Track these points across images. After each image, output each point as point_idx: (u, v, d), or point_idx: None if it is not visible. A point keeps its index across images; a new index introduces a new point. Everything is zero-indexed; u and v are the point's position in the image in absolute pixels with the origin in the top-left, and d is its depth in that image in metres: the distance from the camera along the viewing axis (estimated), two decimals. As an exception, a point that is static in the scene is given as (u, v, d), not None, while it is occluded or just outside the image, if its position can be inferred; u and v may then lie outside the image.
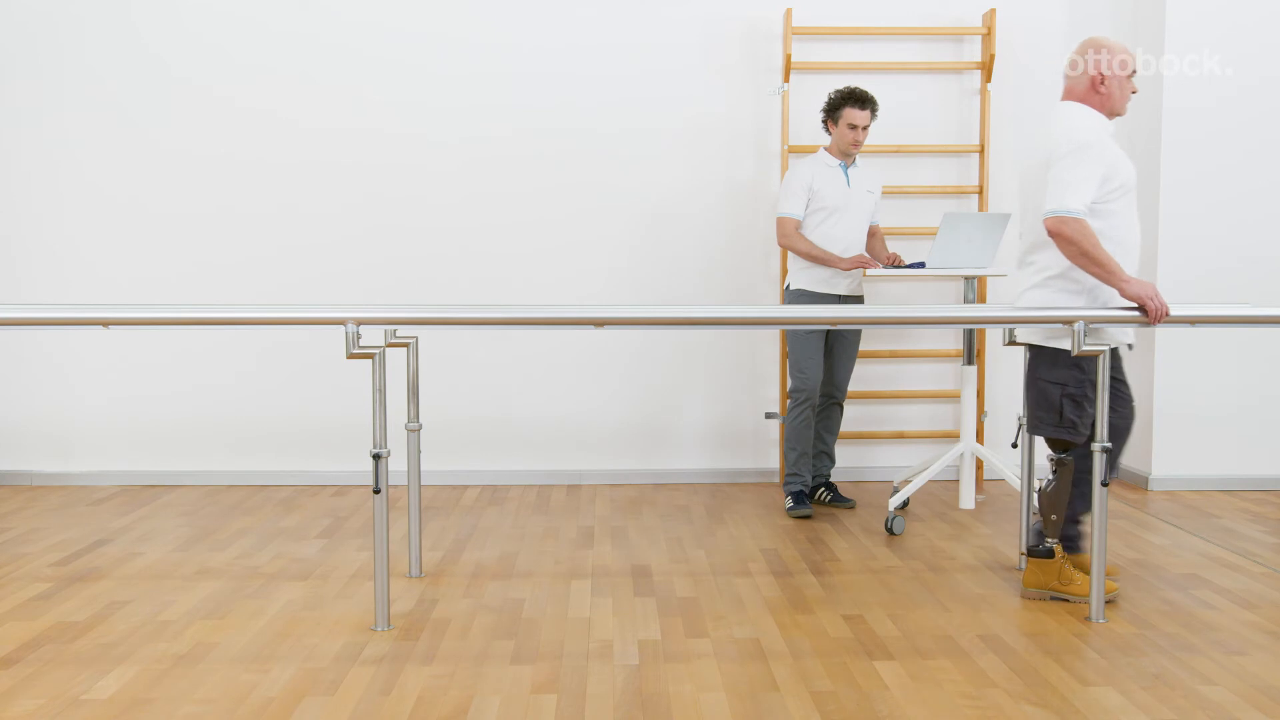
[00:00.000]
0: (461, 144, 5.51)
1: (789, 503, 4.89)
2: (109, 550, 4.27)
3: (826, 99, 4.85)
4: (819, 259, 4.75)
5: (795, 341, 4.86)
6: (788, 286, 4.94)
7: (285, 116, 5.47)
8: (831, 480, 5.08)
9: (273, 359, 5.54)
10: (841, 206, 4.80)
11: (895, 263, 4.79)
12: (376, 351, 3.27)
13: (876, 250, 4.97)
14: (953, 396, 5.59)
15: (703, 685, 2.88)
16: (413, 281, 5.48)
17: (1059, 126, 3.52)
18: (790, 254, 4.94)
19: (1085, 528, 3.66)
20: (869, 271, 4.69)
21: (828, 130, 4.87)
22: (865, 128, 4.77)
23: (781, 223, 4.83)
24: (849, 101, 4.75)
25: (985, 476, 5.59)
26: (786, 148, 5.43)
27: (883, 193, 5.13)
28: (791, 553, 4.22)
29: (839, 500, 4.99)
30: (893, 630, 3.30)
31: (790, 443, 4.91)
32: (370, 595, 3.59)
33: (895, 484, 5.07)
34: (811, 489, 5.03)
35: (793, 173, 4.88)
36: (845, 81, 5.03)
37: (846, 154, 4.83)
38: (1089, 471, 3.49)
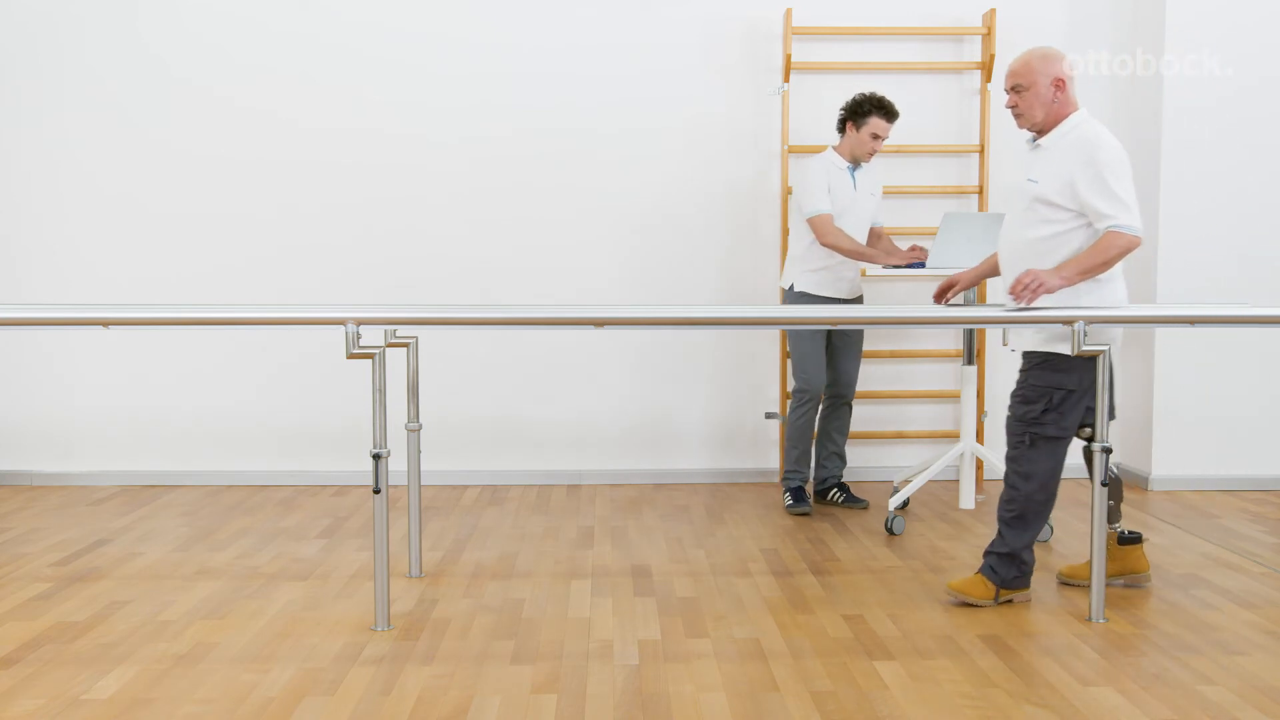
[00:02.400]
0: (461, 144, 5.51)
1: (788, 499, 4.89)
2: (109, 550, 4.27)
3: (852, 100, 4.76)
4: (864, 256, 4.70)
5: (797, 342, 4.86)
6: (791, 287, 4.91)
7: (285, 116, 5.47)
8: (844, 480, 5.08)
9: (273, 359, 5.53)
10: (848, 209, 4.79)
11: (919, 257, 4.74)
12: (376, 351, 3.27)
13: (889, 246, 4.96)
14: (953, 396, 5.59)
15: (703, 685, 2.88)
16: (413, 281, 5.48)
17: None
18: (791, 255, 4.92)
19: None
20: (869, 271, 4.68)
21: (843, 131, 4.82)
22: (886, 139, 4.75)
23: (820, 221, 4.72)
24: (878, 111, 4.68)
25: (985, 476, 5.59)
26: (786, 148, 5.43)
27: (883, 193, 5.13)
28: (791, 553, 4.22)
29: (852, 501, 4.98)
30: (893, 630, 3.30)
31: (792, 441, 4.91)
32: (370, 595, 3.59)
33: (895, 484, 5.07)
34: (824, 490, 5.03)
35: (811, 171, 4.80)
36: (845, 81, 5.03)
37: (858, 159, 4.81)
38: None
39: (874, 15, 5.49)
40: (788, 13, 5.34)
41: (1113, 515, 3.74)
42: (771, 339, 5.57)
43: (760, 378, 5.63)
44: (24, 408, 5.58)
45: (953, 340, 5.63)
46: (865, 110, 4.70)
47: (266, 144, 5.48)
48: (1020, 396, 3.56)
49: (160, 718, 2.69)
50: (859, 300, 4.93)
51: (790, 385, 5.10)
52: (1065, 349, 3.47)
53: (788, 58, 5.35)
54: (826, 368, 4.95)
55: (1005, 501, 3.57)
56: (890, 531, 4.50)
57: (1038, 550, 4.23)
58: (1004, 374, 5.60)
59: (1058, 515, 4.77)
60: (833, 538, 4.45)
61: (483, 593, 3.71)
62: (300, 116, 5.48)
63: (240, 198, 5.50)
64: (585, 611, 3.50)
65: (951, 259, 4.50)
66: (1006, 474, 3.59)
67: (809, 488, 5.10)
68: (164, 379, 5.55)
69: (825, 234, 4.74)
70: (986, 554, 3.58)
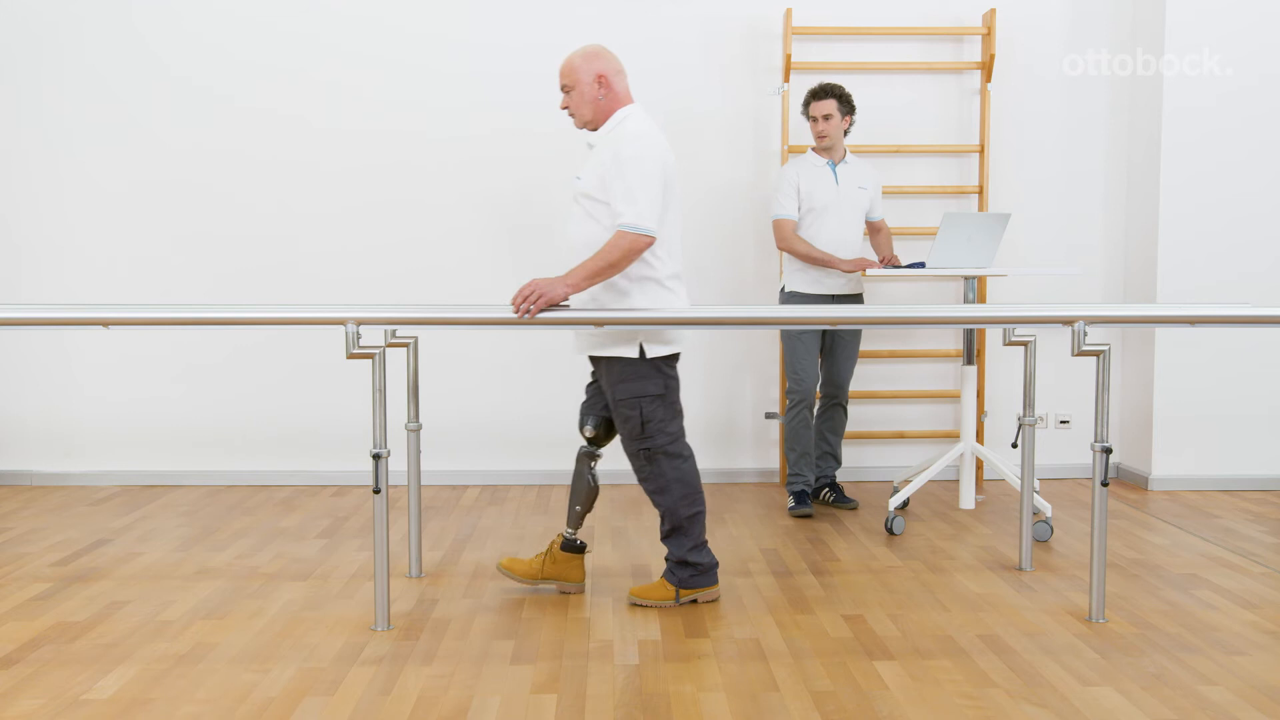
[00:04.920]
0: (461, 142, 5.51)
1: (790, 502, 4.89)
2: (109, 550, 4.27)
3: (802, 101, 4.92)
4: (818, 260, 4.75)
5: (789, 343, 4.86)
6: (783, 289, 4.93)
7: (285, 115, 5.47)
8: (837, 481, 5.08)
9: (272, 359, 5.53)
10: (831, 205, 4.80)
11: (892, 263, 4.79)
12: (376, 351, 3.27)
13: (881, 247, 4.97)
14: (953, 396, 5.59)
15: (703, 685, 2.88)
16: (413, 281, 5.48)
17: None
18: (785, 256, 4.94)
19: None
20: (869, 271, 4.68)
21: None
22: (827, 117, 4.76)
23: (778, 225, 4.83)
24: (810, 98, 4.82)
25: (985, 476, 5.59)
26: (786, 147, 5.43)
27: (884, 192, 5.12)
28: (791, 553, 4.22)
29: (842, 501, 4.98)
30: (893, 630, 3.30)
31: (790, 443, 4.91)
32: (370, 595, 3.59)
33: (895, 484, 5.07)
34: (815, 489, 5.03)
35: (781, 175, 4.91)
36: (845, 81, 5.05)
37: (829, 149, 4.83)
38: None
39: (874, 15, 5.49)
40: (788, 12, 5.34)
41: (573, 520, 3.68)
42: (771, 339, 5.57)
43: (760, 378, 5.63)
44: (24, 408, 5.58)
45: (953, 340, 5.63)
46: (805, 103, 4.86)
47: (266, 143, 5.48)
48: (620, 418, 3.51)
49: (160, 718, 2.69)
50: (858, 297, 4.92)
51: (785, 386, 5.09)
52: (628, 352, 3.43)
53: (788, 57, 5.35)
54: (821, 368, 4.95)
55: (660, 519, 3.57)
56: (890, 531, 4.50)
57: (1042, 551, 4.23)
58: (1004, 374, 5.61)
59: (1058, 515, 4.77)
60: (833, 538, 4.45)
61: (483, 593, 3.71)
62: (300, 115, 5.48)
63: (240, 196, 5.50)
64: (585, 611, 3.50)
65: (951, 259, 4.50)
66: (649, 495, 3.56)
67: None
68: (164, 379, 5.55)
69: (781, 238, 4.84)
70: (666, 558, 3.59)
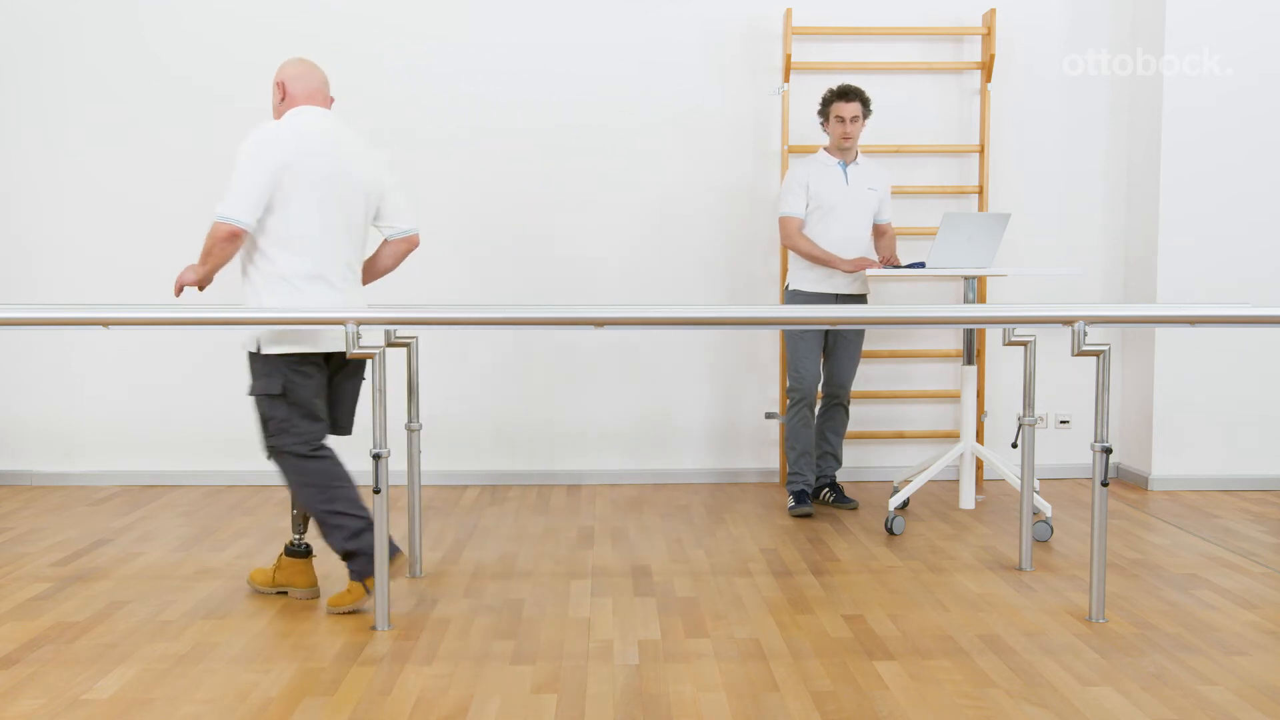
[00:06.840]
0: (460, 143, 5.51)
1: (790, 502, 4.89)
2: (109, 550, 4.27)
3: (819, 101, 4.90)
4: (821, 259, 4.76)
5: (791, 341, 4.87)
6: (787, 287, 4.95)
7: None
8: (837, 481, 5.08)
9: (273, 359, 5.53)
10: (840, 205, 4.80)
11: (892, 263, 4.80)
12: (376, 351, 3.27)
13: (883, 249, 4.97)
14: (953, 396, 5.59)
15: (703, 685, 2.88)
16: (412, 281, 5.47)
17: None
18: (790, 254, 4.95)
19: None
20: (870, 272, 4.69)
21: (825, 131, 4.89)
22: (854, 119, 4.77)
23: (784, 223, 4.84)
24: (834, 96, 4.81)
25: (985, 476, 5.59)
26: (786, 148, 5.43)
27: (892, 191, 5.12)
28: (791, 553, 4.22)
29: (842, 501, 4.98)
30: (893, 630, 3.30)
31: (790, 442, 4.91)
32: (370, 595, 3.59)
33: (895, 484, 5.07)
34: (815, 489, 5.03)
35: (790, 173, 4.91)
36: (845, 81, 5.04)
37: (845, 150, 4.84)
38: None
39: (874, 15, 5.49)
40: (788, 13, 5.34)
41: (296, 525, 3.71)
42: (771, 339, 5.57)
43: (760, 378, 5.63)
44: (25, 408, 5.58)
45: (953, 340, 5.63)
46: (827, 101, 4.85)
47: (266, 144, 5.47)
48: (257, 416, 3.50)
49: (160, 718, 2.69)
50: (862, 297, 4.92)
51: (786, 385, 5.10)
52: (250, 346, 3.41)
53: (788, 57, 5.35)
54: (823, 367, 4.96)
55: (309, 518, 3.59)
56: (890, 531, 4.50)
57: (1042, 551, 4.23)
58: (1004, 374, 5.61)
59: (1058, 515, 4.77)
60: (833, 538, 4.45)
61: (483, 593, 3.71)
62: (300, 116, 5.47)
63: (240, 198, 5.49)
64: (585, 611, 3.50)
65: (951, 259, 4.50)
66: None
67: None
68: (164, 379, 5.55)
69: (785, 236, 4.86)
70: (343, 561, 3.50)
